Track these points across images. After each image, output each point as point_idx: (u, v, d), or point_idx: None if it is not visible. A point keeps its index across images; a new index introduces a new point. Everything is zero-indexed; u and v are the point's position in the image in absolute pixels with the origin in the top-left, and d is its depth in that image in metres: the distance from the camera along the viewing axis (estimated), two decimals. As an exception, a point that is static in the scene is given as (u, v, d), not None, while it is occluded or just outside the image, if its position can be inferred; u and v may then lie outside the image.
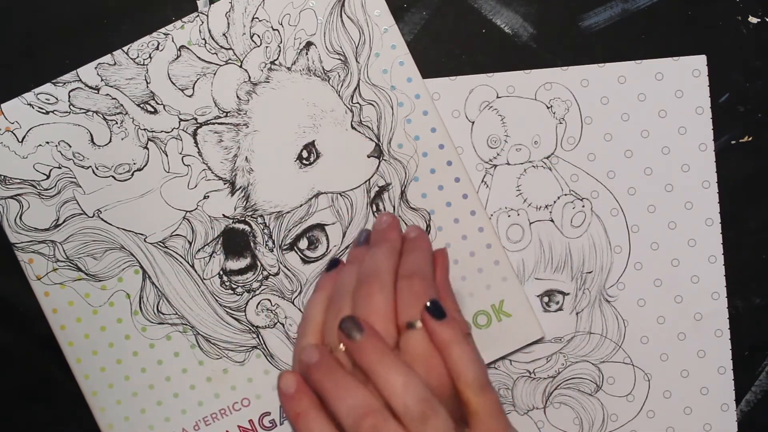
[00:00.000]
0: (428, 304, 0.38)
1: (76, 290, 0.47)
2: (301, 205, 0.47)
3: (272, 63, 0.47)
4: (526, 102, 0.47)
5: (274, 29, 0.46)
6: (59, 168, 0.47)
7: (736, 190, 0.47)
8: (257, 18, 0.46)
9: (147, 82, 0.46)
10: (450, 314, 0.38)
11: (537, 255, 0.48)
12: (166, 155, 0.47)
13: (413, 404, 0.36)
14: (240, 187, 0.47)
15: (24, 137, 0.47)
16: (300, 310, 0.47)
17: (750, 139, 0.48)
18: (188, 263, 0.47)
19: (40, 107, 0.47)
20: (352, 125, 0.47)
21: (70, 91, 0.46)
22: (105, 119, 0.47)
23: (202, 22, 0.46)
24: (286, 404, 0.38)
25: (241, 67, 0.47)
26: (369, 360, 0.37)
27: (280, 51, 0.47)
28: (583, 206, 0.48)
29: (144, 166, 0.47)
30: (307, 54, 0.47)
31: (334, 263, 0.44)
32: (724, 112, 0.47)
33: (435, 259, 0.42)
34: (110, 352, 0.47)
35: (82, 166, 0.47)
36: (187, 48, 0.46)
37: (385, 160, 0.47)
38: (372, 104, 0.47)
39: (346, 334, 0.37)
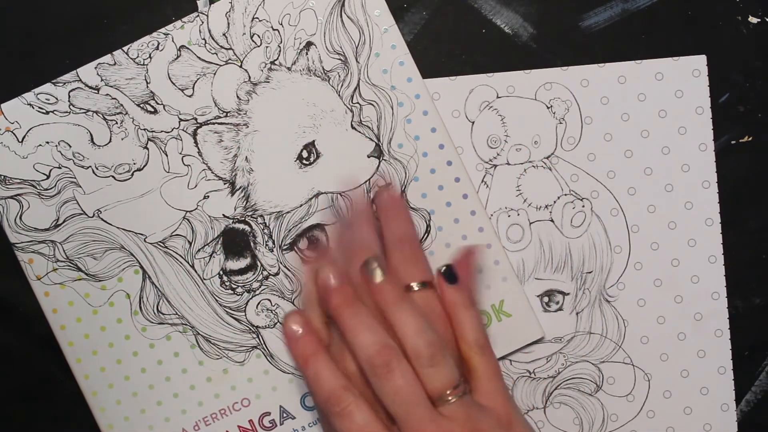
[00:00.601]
0: (444, 268, 0.42)
1: (76, 290, 0.47)
2: (301, 205, 0.47)
3: (272, 63, 0.47)
4: (526, 102, 0.47)
5: (274, 29, 0.46)
6: (59, 168, 0.47)
7: (736, 190, 0.48)
8: (257, 18, 0.46)
9: (147, 82, 0.46)
10: (462, 281, 0.42)
11: (537, 255, 0.48)
12: (166, 155, 0.47)
13: (424, 348, 0.38)
14: (240, 187, 0.47)
15: (24, 137, 0.47)
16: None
17: (750, 139, 0.48)
18: (188, 263, 0.47)
19: (40, 107, 0.47)
20: (352, 125, 0.47)
21: (70, 91, 0.46)
22: (105, 119, 0.47)
23: (202, 22, 0.46)
24: (293, 346, 0.40)
25: (241, 67, 0.47)
26: (387, 302, 0.39)
27: (280, 51, 0.47)
28: (583, 206, 0.48)
29: (144, 166, 0.47)
30: (307, 54, 0.47)
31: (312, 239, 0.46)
32: (724, 112, 0.47)
33: (462, 258, 0.45)
34: (110, 352, 0.47)
35: (82, 166, 0.47)
36: (187, 48, 0.46)
37: (385, 160, 0.47)
38: (372, 104, 0.47)
39: (370, 274, 0.39)
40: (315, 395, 0.39)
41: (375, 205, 0.45)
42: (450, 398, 0.38)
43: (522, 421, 0.40)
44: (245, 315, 0.47)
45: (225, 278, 0.47)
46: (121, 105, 0.47)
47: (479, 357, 0.40)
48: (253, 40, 0.46)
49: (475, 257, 0.46)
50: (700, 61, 0.47)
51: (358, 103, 0.47)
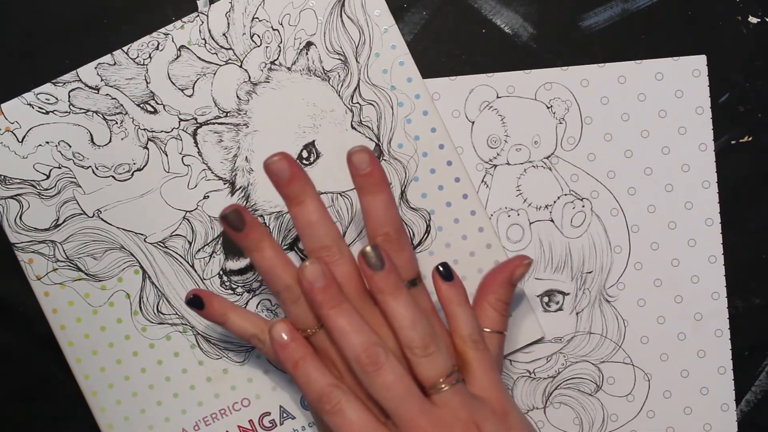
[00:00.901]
0: (441, 268, 0.42)
1: (76, 290, 0.47)
2: (301, 205, 0.47)
3: (272, 63, 0.47)
4: (526, 102, 0.47)
5: (274, 29, 0.46)
6: (59, 168, 0.47)
7: (736, 190, 0.48)
8: (257, 18, 0.46)
9: (147, 82, 0.46)
10: (456, 279, 0.42)
11: (537, 255, 0.48)
12: (166, 155, 0.47)
13: (419, 338, 0.39)
14: (240, 187, 0.47)
15: (24, 137, 0.47)
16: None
17: (750, 139, 0.48)
18: (188, 263, 0.47)
19: (40, 107, 0.47)
20: (352, 125, 0.47)
21: (70, 91, 0.46)
22: (105, 119, 0.47)
23: (202, 22, 0.46)
24: (282, 353, 0.40)
25: (241, 67, 0.47)
26: (385, 291, 0.40)
27: (280, 51, 0.47)
28: (583, 206, 0.48)
29: (144, 166, 0.47)
30: (307, 54, 0.47)
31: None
32: (724, 112, 0.47)
33: (505, 266, 0.45)
34: (110, 352, 0.47)
35: (82, 166, 0.47)
36: (187, 48, 0.46)
37: (385, 160, 0.47)
38: (372, 104, 0.47)
39: (370, 264, 0.39)
40: (307, 397, 0.40)
41: (349, 168, 0.42)
42: (443, 386, 0.39)
43: (517, 412, 0.41)
44: (245, 315, 0.47)
45: (225, 278, 0.47)
46: (121, 105, 0.47)
47: (473, 351, 0.41)
48: (253, 40, 0.46)
49: (513, 267, 0.44)
50: (700, 61, 0.47)
51: (358, 103, 0.47)
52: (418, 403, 0.38)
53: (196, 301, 0.44)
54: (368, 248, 0.40)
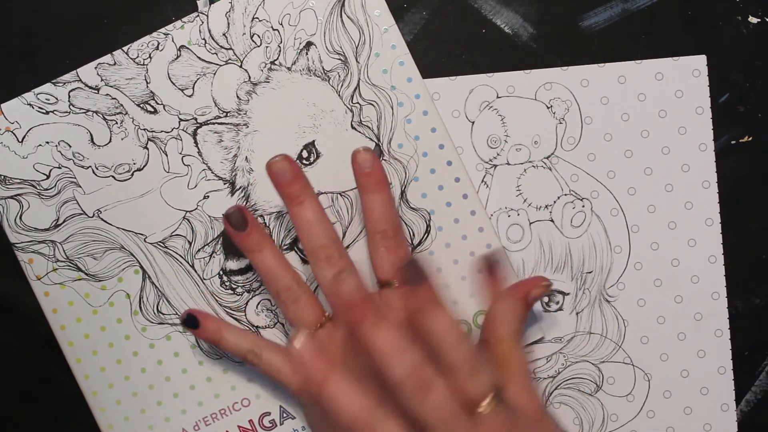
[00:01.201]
0: (490, 258, 0.42)
1: (76, 290, 0.47)
2: (301, 205, 0.47)
3: (272, 63, 0.47)
4: (526, 102, 0.47)
5: (274, 29, 0.46)
6: (59, 168, 0.47)
7: (736, 190, 0.48)
8: (257, 18, 0.46)
9: (147, 82, 0.46)
10: (502, 273, 0.41)
11: (537, 255, 0.48)
12: (166, 155, 0.47)
13: (463, 360, 0.37)
14: (240, 187, 0.47)
15: (24, 137, 0.47)
16: (300, 310, 0.47)
17: (750, 139, 0.48)
18: (188, 263, 0.47)
19: (40, 107, 0.47)
20: (352, 125, 0.47)
21: (70, 91, 0.46)
22: (105, 119, 0.47)
23: (202, 22, 0.46)
24: (303, 370, 0.36)
25: (241, 67, 0.47)
26: (423, 309, 0.37)
27: (280, 51, 0.47)
28: (583, 206, 0.48)
29: (144, 166, 0.47)
30: (307, 54, 0.47)
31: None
32: (724, 112, 0.47)
33: (523, 284, 0.44)
34: (110, 352, 0.47)
35: (82, 166, 0.47)
36: (187, 48, 0.46)
37: (385, 160, 0.47)
38: (372, 104, 0.47)
39: (409, 278, 0.37)
40: (338, 421, 0.37)
41: (353, 167, 0.44)
42: (485, 409, 0.37)
43: (550, 416, 0.41)
44: (245, 315, 0.47)
45: (225, 278, 0.47)
46: (121, 105, 0.47)
47: (513, 351, 0.40)
48: (253, 40, 0.46)
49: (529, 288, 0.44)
50: (700, 61, 0.47)
51: (358, 103, 0.47)
52: (464, 426, 0.36)
53: (190, 321, 0.45)
54: (414, 258, 0.37)
